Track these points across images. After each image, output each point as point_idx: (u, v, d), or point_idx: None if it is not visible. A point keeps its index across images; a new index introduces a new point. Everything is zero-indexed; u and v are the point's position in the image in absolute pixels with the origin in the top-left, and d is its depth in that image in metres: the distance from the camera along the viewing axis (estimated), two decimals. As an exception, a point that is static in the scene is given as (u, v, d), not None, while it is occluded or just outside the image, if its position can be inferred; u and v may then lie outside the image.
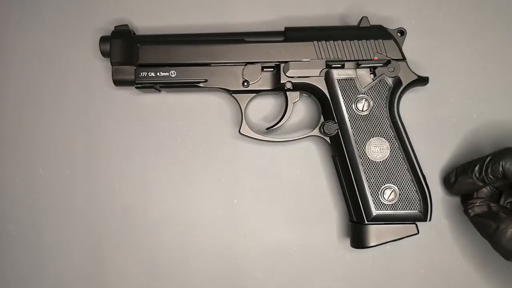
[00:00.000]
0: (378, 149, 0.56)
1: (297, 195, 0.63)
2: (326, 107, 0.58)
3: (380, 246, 0.55)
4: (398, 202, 0.55)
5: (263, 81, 0.58)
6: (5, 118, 0.65)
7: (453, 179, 0.57)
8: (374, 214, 0.55)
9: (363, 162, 0.55)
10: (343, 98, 0.56)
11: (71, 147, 0.64)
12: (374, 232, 0.55)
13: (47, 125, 0.64)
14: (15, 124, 0.65)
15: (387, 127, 0.56)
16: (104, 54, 0.59)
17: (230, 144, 0.63)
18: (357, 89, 0.56)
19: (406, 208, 0.55)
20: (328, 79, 0.57)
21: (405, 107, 0.59)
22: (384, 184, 0.55)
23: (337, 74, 0.57)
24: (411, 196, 0.55)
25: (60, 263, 0.64)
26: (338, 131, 0.56)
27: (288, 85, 0.58)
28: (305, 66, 0.57)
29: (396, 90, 0.56)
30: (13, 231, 0.65)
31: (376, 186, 0.55)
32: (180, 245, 0.63)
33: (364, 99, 0.56)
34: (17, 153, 0.65)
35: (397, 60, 0.56)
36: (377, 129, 0.56)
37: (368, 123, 0.56)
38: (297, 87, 0.58)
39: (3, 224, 0.65)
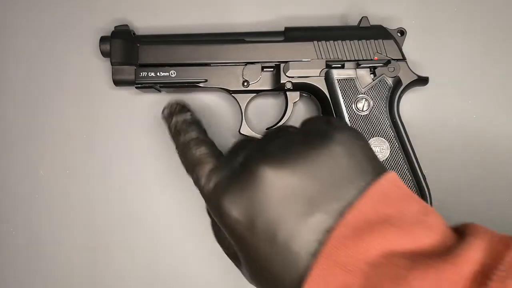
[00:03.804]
0: (378, 149, 0.56)
1: (297, 195, 0.62)
2: (326, 107, 0.58)
3: (380, 246, 0.55)
4: (398, 202, 0.55)
5: (263, 81, 0.58)
6: (5, 118, 0.65)
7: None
8: (374, 214, 0.55)
9: (363, 162, 0.55)
10: (343, 98, 0.56)
11: (71, 147, 0.64)
12: (374, 232, 0.55)
13: (47, 125, 0.64)
14: (15, 124, 0.65)
15: (387, 127, 0.56)
16: (104, 54, 0.59)
17: (230, 144, 0.63)
18: (357, 89, 0.56)
19: (406, 208, 0.55)
20: (328, 79, 0.57)
21: (405, 107, 0.59)
22: (384, 184, 0.55)
23: (337, 74, 0.57)
24: (411, 196, 0.55)
25: (60, 263, 0.64)
26: (338, 131, 0.56)
27: (288, 85, 0.57)
28: (305, 66, 0.57)
29: (396, 90, 0.56)
30: (13, 231, 0.64)
31: (376, 186, 0.55)
32: (180, 245, 0.63)
33: (364, 99, 0.56)
34: (17, 153, 0.65)
35: (397, 60, 0.56)
36: (377, 129, 0.56)
37: (368, 123, 0.56)
38: (297, 87, 0.58)
39: (3, 224, 0.65)
